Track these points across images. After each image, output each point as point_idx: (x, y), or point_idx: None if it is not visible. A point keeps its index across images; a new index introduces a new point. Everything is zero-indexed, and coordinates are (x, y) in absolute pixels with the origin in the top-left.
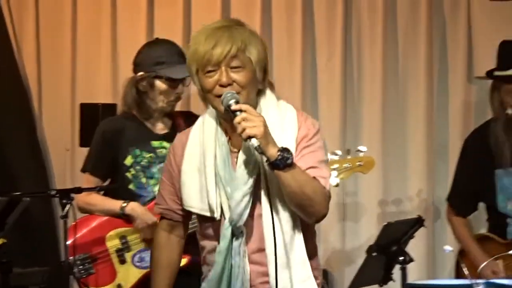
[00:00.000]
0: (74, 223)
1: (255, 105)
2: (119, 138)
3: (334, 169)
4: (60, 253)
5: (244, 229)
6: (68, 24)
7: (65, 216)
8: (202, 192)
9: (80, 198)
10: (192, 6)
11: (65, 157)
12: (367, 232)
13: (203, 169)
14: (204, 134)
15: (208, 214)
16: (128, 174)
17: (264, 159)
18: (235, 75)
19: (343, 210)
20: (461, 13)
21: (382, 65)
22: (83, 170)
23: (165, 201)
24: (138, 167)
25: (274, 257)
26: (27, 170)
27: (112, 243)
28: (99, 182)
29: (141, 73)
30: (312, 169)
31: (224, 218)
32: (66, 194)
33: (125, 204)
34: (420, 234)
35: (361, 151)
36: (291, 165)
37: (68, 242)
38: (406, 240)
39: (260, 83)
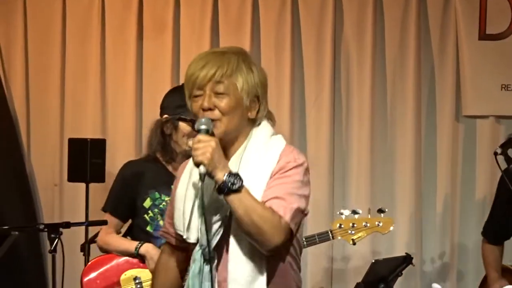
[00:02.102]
0: (92, 261)
1: (241, 133)
2: (139, 181)
3: (352, 227)
4: (47, 287)
5: (215, 256)
6: (57, 59)
7: (53, 251)
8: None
9: (100, 238)
10: (181, 39)
11: (53, 192)
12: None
13: (186, 192)
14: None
15: (187, 237)
16: (146, 216)
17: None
18: (217, 101)
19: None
20: (449, 52)
21: (370, 104)
22: (104, 209)
23: (165, 224)
24: (156, 210)
25: (234, 286)
26: (15, 205)
27: (126, 283)
28: (119, 222)
29: (165, 115)
30: (274, 199)
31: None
32: (54, 229)
33: (139, 245)
34: (408, 272)
35: (383, 211)
36: (238, 191)
37: (85, 279)
38: (394, 278)
39: (249, 111)
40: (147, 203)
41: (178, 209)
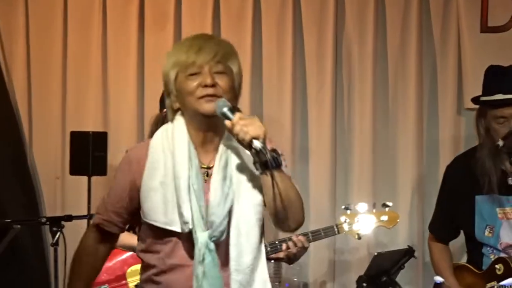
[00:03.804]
0: None
1: (222, 121)
2: None
3: (357, 221)
4: (50, 281)
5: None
6: (58, 52)
7: (55, 244)
8: (167, 205)
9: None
10: (183, 31)
11: (55, 185)
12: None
13: (171, 181)
14: (175, 145)
15: (175, 228)
16: None
17: (243, 162)
18: (218, 79)
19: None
20: (451, 45)
21: (372, 97)
22: None
23: (107, 213)
24: None
25: (238, 275)
26: (16, 198)
27: (132, 278)
28: None
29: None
30: None
31: (195, 232)
32: (56, 222)
33: None
34: (411, 265)
35: (387, 206)
36: (280, 166)
37: None
38: (396, 270)
39: (236, 98)
40: None
41: (152, 199)
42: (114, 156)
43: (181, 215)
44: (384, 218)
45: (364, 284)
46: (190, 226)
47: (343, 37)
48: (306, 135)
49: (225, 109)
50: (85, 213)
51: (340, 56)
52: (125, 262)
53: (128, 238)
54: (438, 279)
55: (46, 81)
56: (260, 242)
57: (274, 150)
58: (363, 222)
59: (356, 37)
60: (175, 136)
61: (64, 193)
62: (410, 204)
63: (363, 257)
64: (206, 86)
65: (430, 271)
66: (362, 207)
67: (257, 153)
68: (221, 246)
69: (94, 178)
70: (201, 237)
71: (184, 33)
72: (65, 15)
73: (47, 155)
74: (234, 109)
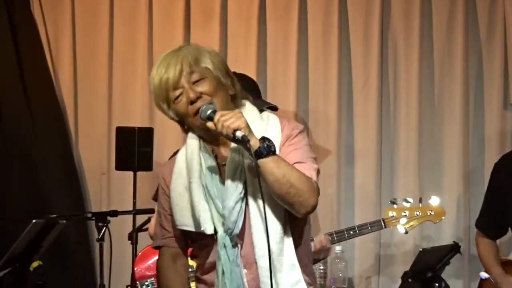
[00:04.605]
0: (143, 249)
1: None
2: None
3: (404, 216)
4: (95, 276)
5: (238, 240)
6: (104, 48)
7: (101, 239)
8: (194, 209)
9: (152, 227)
10: (229, 27)
11: (101, 180)
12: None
13: (189, 185)
14: (188, 153)
15: (199, 229)
16: None
17: (247, 154)
18: (199, 88)
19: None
20: (497, 39)
21: (417, 92)
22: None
23: (167, 230)
24: None
25: (266, 263)
26: (63, 193)
27: None
28: None
29: None
30: (297, 164)
31: (216, 232)
32: (102, 217)
33: None
34: (456, 260)
35: (434, 200)
36: (274, 153)
37: (137, 267)
38: (442, 266)
39: (229, 88)
40: None
41: (179, 204)
42: (160, 151)
43: (196, 217)
44: (431, 212)
45: (409, 280)
46: (203, 227)
47: (389, 32)
48: (352, 130)
49: (209, 112)
50: (131, 208)
51: (386, 52)
52: None
53: None
54: (484, 275)
55: (92, 78)
56: (285, 226)
57: (264, 138)
58: (409, 217)
59: (402, 32)
60: (187, 145)
61: (109, 188)
62: (456, 198)
63: (408, 251)
64: (192, 102)
65: (476, 265)
66: (408, 201)
67: (244, 144)
68: (245, 237)
69: (139, 174)
70: (220, 233)
71: (230, 29)
72: (111, 12)
73: (93, 150)
74: (233, 98)
